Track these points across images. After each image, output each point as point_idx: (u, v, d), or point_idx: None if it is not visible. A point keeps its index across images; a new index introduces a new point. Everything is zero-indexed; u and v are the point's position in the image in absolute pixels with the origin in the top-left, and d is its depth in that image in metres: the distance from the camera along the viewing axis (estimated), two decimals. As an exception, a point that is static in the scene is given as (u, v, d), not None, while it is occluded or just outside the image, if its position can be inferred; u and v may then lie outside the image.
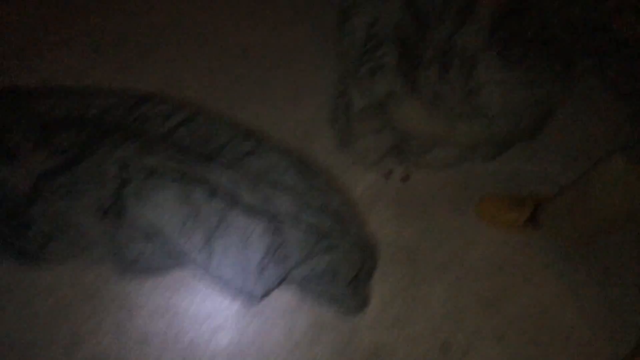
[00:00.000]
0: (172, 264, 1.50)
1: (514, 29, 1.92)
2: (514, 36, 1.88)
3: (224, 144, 1.62)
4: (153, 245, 1.44)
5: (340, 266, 1.43)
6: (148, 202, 1.41)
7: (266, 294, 1.40)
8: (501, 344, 1.49)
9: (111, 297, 1.49)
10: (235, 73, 1.91)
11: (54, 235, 1.48)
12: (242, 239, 1.41)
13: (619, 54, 1.99)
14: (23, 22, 1.95)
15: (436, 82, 1.79)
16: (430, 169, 1.74)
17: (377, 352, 1.47)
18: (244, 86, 1.88)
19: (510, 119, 1.71)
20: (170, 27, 1.99)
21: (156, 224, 1.40)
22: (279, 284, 1.42)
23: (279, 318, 1.50)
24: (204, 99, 1.81)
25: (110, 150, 1.51)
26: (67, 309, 1.46)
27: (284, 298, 1.51)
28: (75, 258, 1.51)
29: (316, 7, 2.09)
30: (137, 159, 1.49)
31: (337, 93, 1.85)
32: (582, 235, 1.53)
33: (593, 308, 1.55)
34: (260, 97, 1.86)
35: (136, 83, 1.82)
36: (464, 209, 1.69)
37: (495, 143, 1.72)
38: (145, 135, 1.62)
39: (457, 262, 1.60)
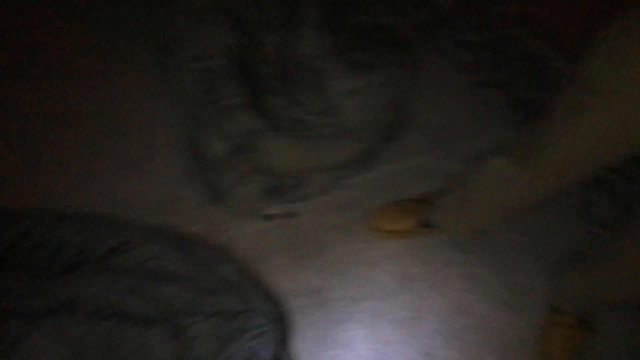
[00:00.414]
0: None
1: (345, 21, 1.86)
2: (348, 31, 1.82)
3: (82, 248, 1.41)
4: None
5: (259, 346, 1.30)
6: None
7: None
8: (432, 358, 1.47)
9: None
10: (63, 154, 1.67)
11: None
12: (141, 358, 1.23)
13: (449, 25, 2.01)
14: None
15: (290, 107, 1.68)
16: (312, 200, 1.65)
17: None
18: (76, 165, 1.65)
19: (372, 125, 1.65)
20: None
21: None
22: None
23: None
24: (29, 197, 1.56)
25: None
26: None
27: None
28: None
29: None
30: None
31: (189, 144, 1.68)
32: (473, 229, 1.53)
33: (500, 295, 1.57)
34: (103, 173, 1.65)
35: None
36: (356, 230, 1.62)
37: (365, 153, 1.66)
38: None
39: (366, 289, 1.54)
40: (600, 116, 0.99)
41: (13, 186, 1.61)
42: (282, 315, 1.41)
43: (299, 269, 1.54)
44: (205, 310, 1.33)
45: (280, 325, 1.38)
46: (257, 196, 1.59)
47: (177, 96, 1.70)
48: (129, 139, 1.72)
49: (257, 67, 1.78)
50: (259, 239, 1.58)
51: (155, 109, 1.77)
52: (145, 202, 1.61)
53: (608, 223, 1.64)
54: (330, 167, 1.60)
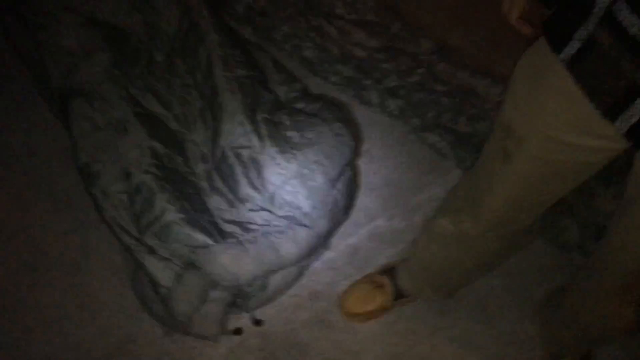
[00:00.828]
0: None
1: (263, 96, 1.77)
2: (269, 107, 1.72)
3: None
4: None
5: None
6: None
7: None
8: None
9: None
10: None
11: None
12: None
13: (371, 77, 1.95)
14: None
15: (232, 208, 1.57)
16: (275, 301, 1.54)
17: None
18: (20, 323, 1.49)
19: (321, 206, 1.56)
20: None
21: None
22: None
23: None
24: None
25: None
26: None
27: None
28: None
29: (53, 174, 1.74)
30: None
31: (132, 276, 1.54)
32: (445, 291, 1.46)
33: (493, 351, 1.49)
34: (47, 326, 1.49)
35: None
36: (331, 320, 1.51)
37: (322, 238, 1.56)
38: None
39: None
40: (525, 160, 0.96)
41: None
42: None
43: (281, 379, 1.42)
44: None
45: None
46: (218, 314, 1.46)
47: (109, 225, 1.56)
48: (67, 284, 1.57)
49: (185, 171, 1.67)
50: (232, 359, 1.45)
51: (85, 243, 1.63)
52: (96, 349, 1.46)
53: (584, 246, 1.59)
54: (284, 264, 1.49)
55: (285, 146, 1.60)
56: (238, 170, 1.62)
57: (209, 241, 1.43)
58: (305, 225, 1.50)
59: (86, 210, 1.67)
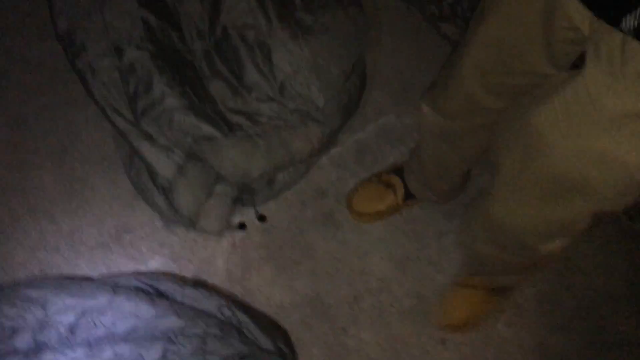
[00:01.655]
0: None
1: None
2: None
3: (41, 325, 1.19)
4: None
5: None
6: None
7: None
8: (446, 345, 1.39)
9: None
10: None
11: None
12: None
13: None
14: None
15: (236, 96, 1.44)
16: (279, 197, 1.47)
17: None
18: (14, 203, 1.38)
19: (335, 101, 1.45)
20: None
21: None
22: None
23: None
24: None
25: None
26: None
27: None
28: None
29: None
30: None
31: (131, 164, 1.43)
32: (441, 194, 1.41)
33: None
34: (39, 210, 1.38)
35: None
36: (338, 219, 1.47)
37: (330, 134, 1.47)
38: None
39: (363, 284, 1.41)
40: (495, 18, 0.87)
41: None
42: (289, 346, 1.28)
43: (288, 277, 1.39)
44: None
45: (294, 357, 1.25)
46: (223, 209, 1.38)
47: (99, 105, 1.41)
48: (54, 167, 1.44)
49: (182, 49, 1.51)
50: (235, 255, 1.40)
51: (71, 123, 1.48)
52: (91, 238, 1.38)
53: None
54: (295, 160, 1.40)
55: (297, 29, 1.45)
56: (243, 52, 1.47)
57: (216, 133, 1.32)
58: (317, 121, 1.40)
59: (71, 85, 1.50)
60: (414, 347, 1.36)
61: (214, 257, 1.40)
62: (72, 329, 1.21)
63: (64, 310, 1.22)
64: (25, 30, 1.61)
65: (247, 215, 1.44)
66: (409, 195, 1.46)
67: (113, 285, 1.28)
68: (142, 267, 1.36)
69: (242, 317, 1.27)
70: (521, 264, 1.12)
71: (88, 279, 1.29)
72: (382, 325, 1.37)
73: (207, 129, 1.32)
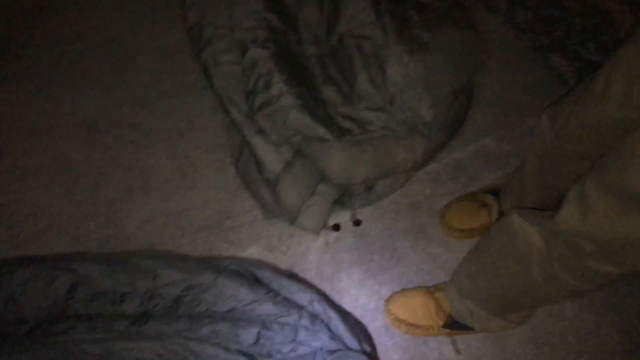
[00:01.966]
0: None
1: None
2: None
3: (148, 296, 1.27)
4: None
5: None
6: None
7: None
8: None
9: None
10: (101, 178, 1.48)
11: None
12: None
13: None
14: None
15: (347, 103, 1.50)
16: (375, 204, 1.51)
17: None
18: (120, 185, 1.48)
19: (442, 117, 1.49)
20: None
21: None
22: None
23: None
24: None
25: None
26: None
27: None
28: None
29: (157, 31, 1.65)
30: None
31: (235, 151, 1.51)
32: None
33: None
34: (147, 190, 1.48)
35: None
36: (429, 233, 1.50)
37: (433, 151, 1.51)
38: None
39: (447, 298, 1.44)
40: None
41: (62, 226, 1.45)
42: (373, 348, 1.32)
43: (376, 282, 1.43)
44: (295, 351, 1.23)
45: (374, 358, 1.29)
46: (323, 209, 1.44)
47: (218, 95, 1.50)
48: (170, 148, 1.54)
49: (298, 52, 1.58)
50: (327, 254, 1.46)
51: (187, 109, 1.58)
52: (196, 220, 1.47)
53: None
54: (397, 170, 1.45)
55: (413, 44, 1.50)
56: (357, 62, 1.53)
57: (328, 135, 1.38)
58: (424, 135, 1.44)
59: (191, 74, 1.60)
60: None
61: (307, 253, 1.45)
62: (176, 302, 1.29)
63: (171, 283, 1.30)
64: (155, 18, 1.72)
65: (342, 217, 1.49)
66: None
67: (216, 266, 1.35)
68: (240, 254, 1.43)
69: (332, 313, 1.32)
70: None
71: (194, 258, 1.37)
72: (461, 339, 1.39)
73: (320, 130, 1.38)
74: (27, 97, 1.59)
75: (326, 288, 1.41)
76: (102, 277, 1.28)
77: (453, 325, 1.34)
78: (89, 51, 1.68)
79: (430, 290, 1.37)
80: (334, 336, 1.29)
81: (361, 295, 1.42)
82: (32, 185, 1.47)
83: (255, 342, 1.23)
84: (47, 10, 1.76)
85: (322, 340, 1.27)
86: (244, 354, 1.22)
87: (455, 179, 1.57)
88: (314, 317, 1.31)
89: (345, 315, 1.34)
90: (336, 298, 1.40)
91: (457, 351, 1.37)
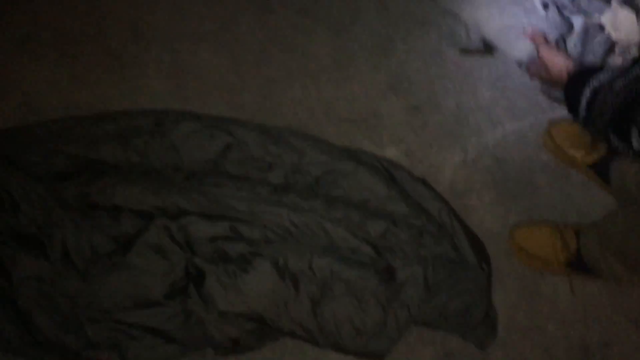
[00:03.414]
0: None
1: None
2: None
3: (293, 169, 1.36)
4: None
5: (472, 301, 1.26)
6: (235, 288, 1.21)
7: (388, 350, 1.26)
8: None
9: None
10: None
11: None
12: (354, 300, 1.23)
13: None
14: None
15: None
16: (521, 133, 1.50)
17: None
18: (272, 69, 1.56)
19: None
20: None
21: (255, 309, 1.21)
22: (402, 334, 1.27)
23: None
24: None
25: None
26: None
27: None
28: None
29: None
30: (195, 228, 1.24)
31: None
32: None
33: None
34: (298, 78, 1.55)
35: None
36: (570, 174, 1.47)
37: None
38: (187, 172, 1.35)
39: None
40: None
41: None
42: (489, 268, 1.34)
43: (505, 208, 1.44)
44: (416, 253, 1.29)
45: (490, 280, 1.32)
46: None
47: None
48: (330, 39, 1.58)
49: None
50: (462, 170, 1.47)
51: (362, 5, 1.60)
52: (343, 111, 1.52)
53: None
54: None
55: None
56: None
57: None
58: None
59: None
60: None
61: (443, 166, 1.47)
62: (317, 181, 1.37)
63: (315, 163, 1.38)
64: None
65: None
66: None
67: (358, 157, 1.41)
68: (379, 152, 1.47)
69: (457, 227, 1.35)
70: None
71: (338, 146, 1.43)
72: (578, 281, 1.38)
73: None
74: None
75: (455, 204, 1.43)
76: (254, 144, 1.38)
77: (575, 265, 1.33)
78: None
79: (559, 227, 1.36)
80: (456, 247, 1.33)
81: (487, 218, 1.43)
82: (203, 47, 1.58)
83: (382, 236, 1.30)
84: None
85: (444, 248, 1.32)
86: (370, 243, 1.29)
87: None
88: (440, 226, 1.35)
89: (469, 232, 1.37)
90: (462, 215, 1.42)
91: (573, 292, 1.36)
